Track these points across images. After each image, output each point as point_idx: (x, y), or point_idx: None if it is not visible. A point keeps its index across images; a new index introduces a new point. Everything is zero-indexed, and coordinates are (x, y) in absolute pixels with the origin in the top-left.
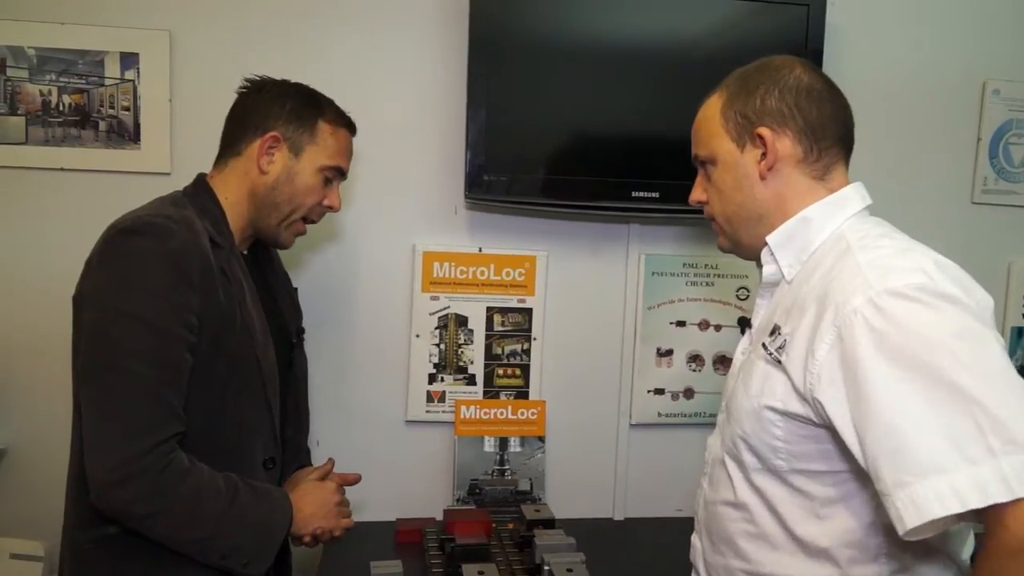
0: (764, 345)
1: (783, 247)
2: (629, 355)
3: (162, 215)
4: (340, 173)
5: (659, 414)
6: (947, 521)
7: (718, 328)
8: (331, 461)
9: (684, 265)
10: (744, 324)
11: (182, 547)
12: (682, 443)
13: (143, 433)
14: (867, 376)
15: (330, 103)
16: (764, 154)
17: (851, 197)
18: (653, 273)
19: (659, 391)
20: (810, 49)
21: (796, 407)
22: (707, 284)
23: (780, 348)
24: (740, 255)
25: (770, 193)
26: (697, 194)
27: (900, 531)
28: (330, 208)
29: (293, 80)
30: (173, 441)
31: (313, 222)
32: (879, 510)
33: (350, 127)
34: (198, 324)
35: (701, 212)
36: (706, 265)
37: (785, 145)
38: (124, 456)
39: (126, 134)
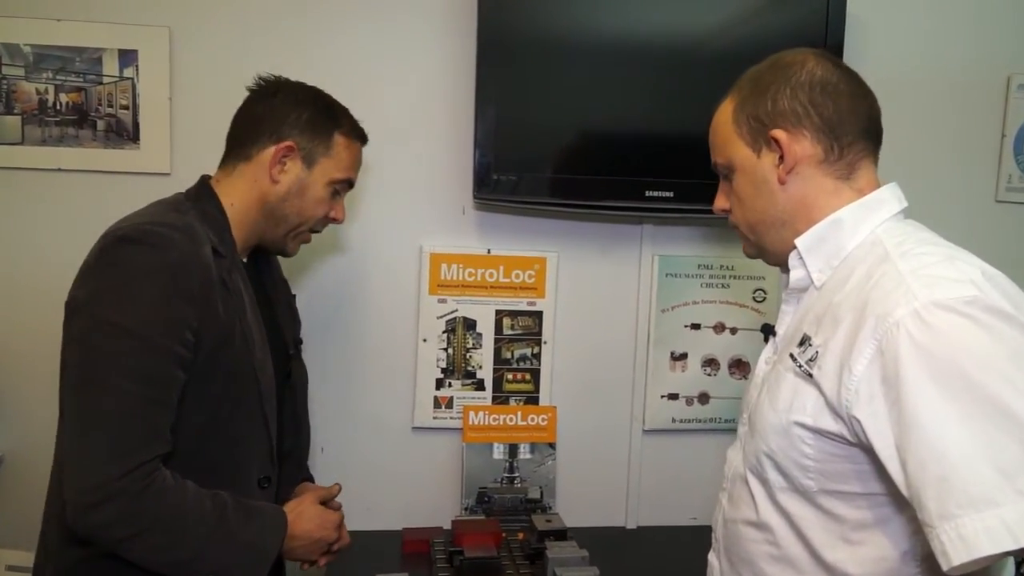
0: (792, 356)
1: (813, 251)
2: (642, 359)
3: (163, 223)
4: (349, 185)
5: (673, 420)
6: (996, 556)
7: (734, 331)
8: (337, 487)
9: (699, 266)
10: (768, 331)
11: (163, 569)
12: (697, 450)
13: (122, 454)
14: (911, 396)
15: (346, 113)
16: (781, 157)
17: (886, 199)
18: (667, 274)
19: (673, 396)
20: (830, 43)
21: (828, 424)
22: (723, 286)
23: (811, 360)
24: (767, 261)
25: (792, 198)
26: (720, 202)
27: (945, 566)
28: (335, 221)
29: (298, 78)
30: (155, 462)
31: (316, 231)
32: (917, 537)
33: (363, 139)
34: (194, 340)
35: (714, 212)
36: (722, 266)
37: (803, 146)
38: (101, 478)
39: (125, 133)
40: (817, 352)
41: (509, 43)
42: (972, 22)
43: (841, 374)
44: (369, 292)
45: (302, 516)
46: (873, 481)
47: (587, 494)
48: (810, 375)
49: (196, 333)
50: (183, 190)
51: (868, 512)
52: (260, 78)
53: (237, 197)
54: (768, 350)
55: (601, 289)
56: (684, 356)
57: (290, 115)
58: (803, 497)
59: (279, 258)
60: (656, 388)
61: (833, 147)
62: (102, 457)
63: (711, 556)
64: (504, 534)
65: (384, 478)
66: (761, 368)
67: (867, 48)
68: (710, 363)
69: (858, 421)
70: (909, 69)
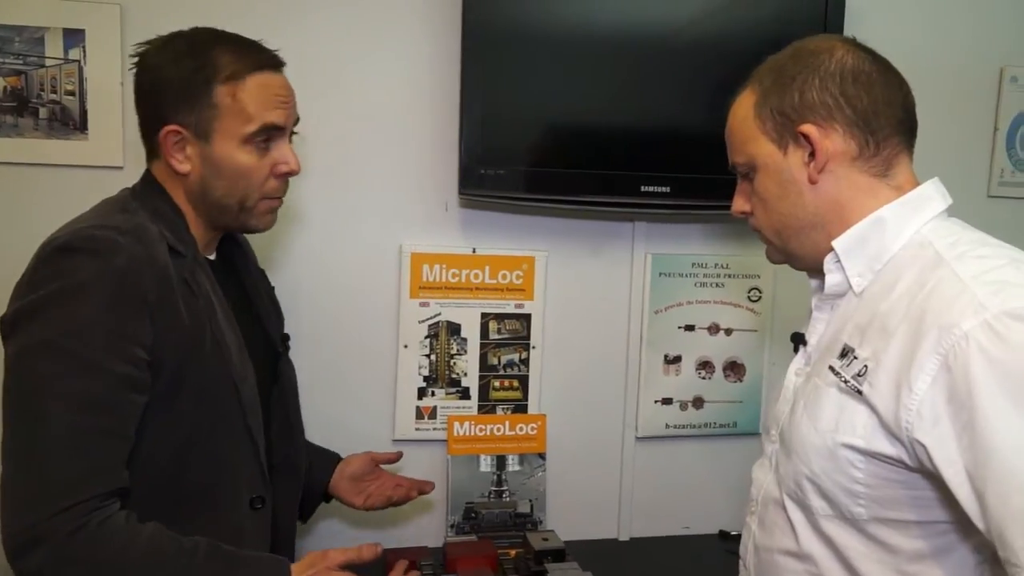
0: (833, 369)
1: (852, 254)
2: (635, 363)
3: (107, 225)
4: (276, 129)
5: (667, 425)
6: None
7: (729, 332)
8: (374, 550)
9: (693, 265)
10: (798, 340)
11: None
12: (691, 456)
13: (56, 493)
14: (986, 418)
15: (224, 47)
16: (811, 154)
17: (931, 196)
18: (660, 274)
19: (667, 401)
20: (828, 32)
21: (884, 447)
22: (717, 285)
23: (859, 375)
24: (795, 266)
25: (824, 198)
26: (740, 204)
27: None
28: (288, 172)
29: None
30: (94, 501)
31: (280, 196)
32: (981, 568)
33: (267, 66)
34: (150, 358)
35: (714, 208)
36: (716, 264)
37: (835, 142)
38: (30, 519)
39: (71, 122)
40: (866, 366)
41: (496, 31)
42: (965, 13)
43: (899, 393)
44: (345, 296)
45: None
46: (934, 509)
47: (578, 506)
48: (859, 392)
49: (153, 349)
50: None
51: (924, 542)
52: (133, 52)
53: (171, 192)
54: (799, 360)
55: (592, 290)
56: (678, 359)
57: (160, 90)
58: (851, 525)
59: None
60: (649, 393)
61: (868, 142)
62: (32, 495)
63: None
64: (497, 553)
65: None
66: (791, 380)
67: (865, 40)
68: (704, 366)
69: (922, 445)
70: (904, 61)
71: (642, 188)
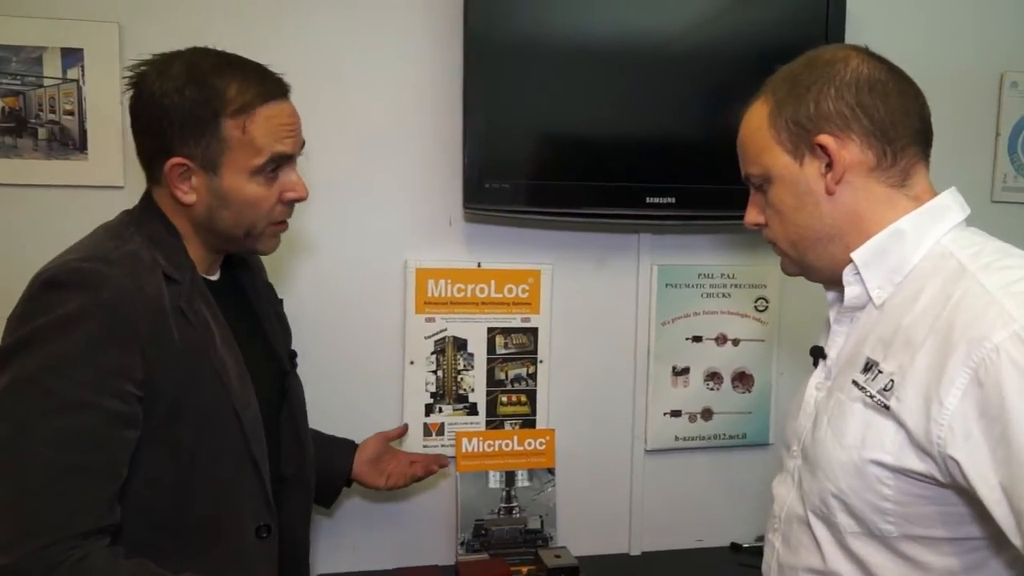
0: (857, 384)
1: (871, 266)
2: (643, 375)
3: (94, 256)
4: (286, 158)
5: (676, 438)
6: None
7: (736, 342)
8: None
9: (699, 275)
10: (817, 354)
11: None
12: (701, 468)
13: (33, 532)
14: (1022, 430)
15: (229, 76)
16: (828, 165)
17: (950, 206)
18: (667, 285)
19: (675, 413)
20: (830, 40)
21: (913, 463)
22: (724, 295)
23: (886, 390)
24: (810, 278)
25: (841, 210)
26: (753, 216)
27: None
28: (296, 199)
29: None
30: (75, 539)
31: (283, 221)
32: None
33: (274, 96)
34: (141, 393)
35: (720, 218)
36: (722, 275)
37: (852, 152)
38: (6, 559)
39: (70, 142)
40: (892, 381)
41: (498, 43)
42: (966, 19)
43: (928, 407)
44: (350, 312)
45: None
46: (966, 525)
47: (589, 521)
48: (886, 407)
49: (144, 383)
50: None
51: (956, 559)
52: (127, 74)
53: (172, 216)
54: (819, 374)
55: (598, 302)
56: (686, 371)
57: (162, 120)
58: (879, 542)
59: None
60: (658, 405)
61: (886, 152)
62: (10, 535)
63: None
64: (511, 572)
65: (371, 513)
66: (811, 394)
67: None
68: (713, 377)
69: (954, 461)
70: (902, 67)
71: (647, 199)
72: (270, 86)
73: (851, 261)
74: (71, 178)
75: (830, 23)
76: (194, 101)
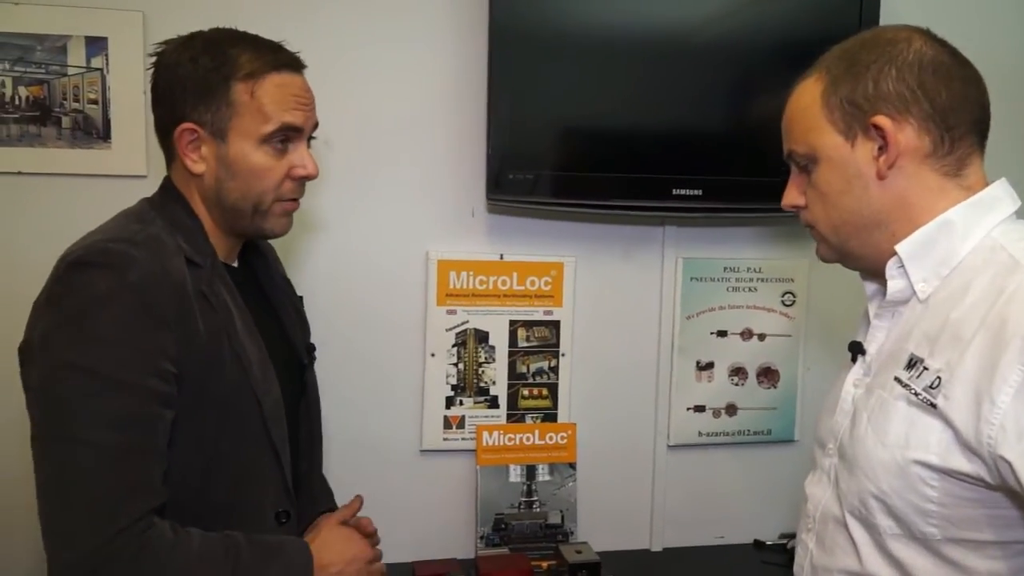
0: (901, 381)
1: (917, 258)
2: (666, 370)
3: (120, 238)
4: (294, 130)
5: (699, 434)
6: None
7: (762, 337)
8: (359, 499)
9: (725, 269)
10: (856, 350)
11: None
12: (725, 464)
13: (108, 516)
14: None
15: (243, 45)
16: (881, 148)
17: (1000, 198)
18: (692, 278)
19: (699, 408)
20: (864, 28)
21: (960, 464)
22: (750, 289)
23: (932, 387)
24: (848, 266)
25: (890, 196)
26: (792, 197)
27: None
28: (305, 176)
29: None
30: (148, 518)
31: (296, 199)
32: None
33: (286, 66)
34: (175, 371)
35: (747, 210)
36: (748, 268)
37: (908, 136)
38: (87, 548)
39: (94, 131)
40: (939, 378)
41: (524, 33)
42: (1009, 9)
43: (979, 406)
44: (371, 304)
45: (327, 542)
46: (1015, 528)
47: (610, 516)
48: (932, 405)
49: (177, 362)
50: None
51: (1002, 563)
52: (151, 52)
53: (189, 197)
54: (857, 371)
55: (622, 295)
56: (710, 365)
57: (175, 88)
58: (921, 545)
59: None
60: (681, 400)
61: (943, 139)
62: (84, 523)
63: None
64: (532, 568)
65: (391, 506)
66: (849, 392)
67: None
68: (737, 372)
69: (1006, 462)
70: None
71: (673, 191)
72: (283, 57)
73: (895, 253)
74: (94, 167)
75: (864, 13)
76: (207, 68)
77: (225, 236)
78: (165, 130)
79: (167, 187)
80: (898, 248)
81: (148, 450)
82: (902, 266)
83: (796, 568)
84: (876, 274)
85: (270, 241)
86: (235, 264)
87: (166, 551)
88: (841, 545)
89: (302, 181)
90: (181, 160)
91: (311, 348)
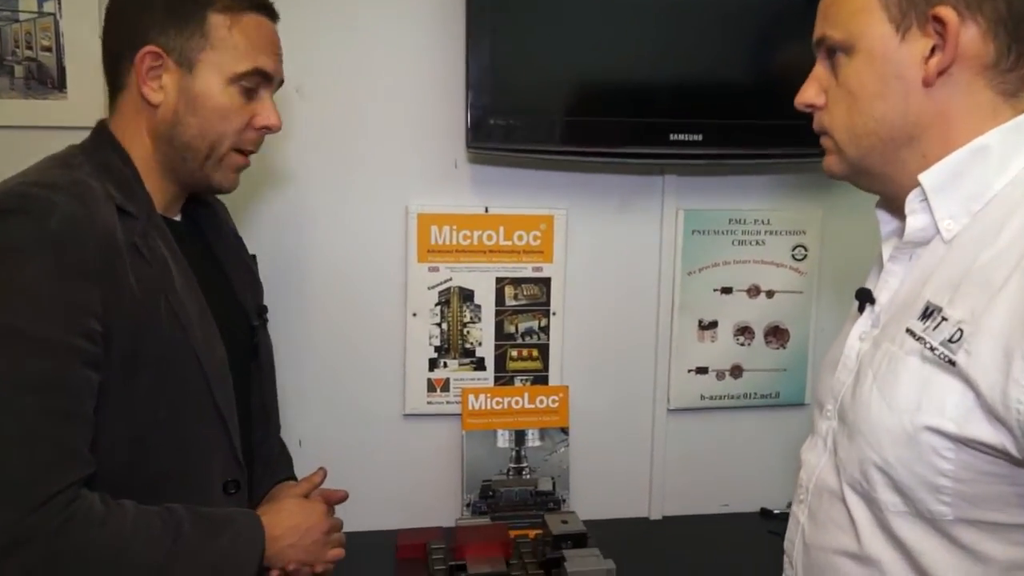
0: (914, 333)
1: (944, 191)
2: (666, 329)
3: (41, 183)
4: (265, 77)
5: (701, 397)
6: None
7: (771, 294)
8: (322, 472)
9: (730, 221)
10: (864, 298)
11: None
12: (729, 430)
13: (28, 487)
14: None
15: None
16: (935, 49)
17: None
18: (693, 231)
19: (701, 370)
20: None
21: (983, 433)
22: (757, 243)
23: (952, 341)
24: (861, 186)
25: (932, 108)
26: (810, 94)
27: None
28: (266, 128)
29: None
30: (74, 488)
31: (251, 152)
32: None
33: (264, 10)
34: (102, 330)
35: (753, 156)
36: (756, 220)
37: (971, 38)
38: (5, 521)
39: (48, 80)
40: (961, 330)
41: None
42: None
43: (1009, 364)
44: (347, 262)
45: (281, 513)
46: None
47: (605, 483)
48: (951, 362)
49: (103, 320)
50: None
51: None
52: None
53: (131, 139)
54: (863, 322)
55: (617, 250)
56: (714, 324)
57: (142, 8)
58: (930, 526)
59: (229, 210)
60: (682, 362)
61: (1010, 50)
62: (3, 495)
63: None
64: (514, 537)
65: (373, 473)
66: (854, 346)
67: None
68: (743, 331)
69: None
70: None
71: (671, 136)
72: (261, 0)
73: (918, 184)
74: (50, 118)
75: None
76: None
77: (166, 186)
78: (119, 56)
79: (100, 131)
80: (921, 178)
81: (75, 415)
82: (925, 199)
83: (786, 544)
84: (893, 202)
85: (226, 198)
86: (177, 218)
87: (94, 525)
88: (837, 521)
89: (262, 133)
90: (138, 88)
91: (263, 309)
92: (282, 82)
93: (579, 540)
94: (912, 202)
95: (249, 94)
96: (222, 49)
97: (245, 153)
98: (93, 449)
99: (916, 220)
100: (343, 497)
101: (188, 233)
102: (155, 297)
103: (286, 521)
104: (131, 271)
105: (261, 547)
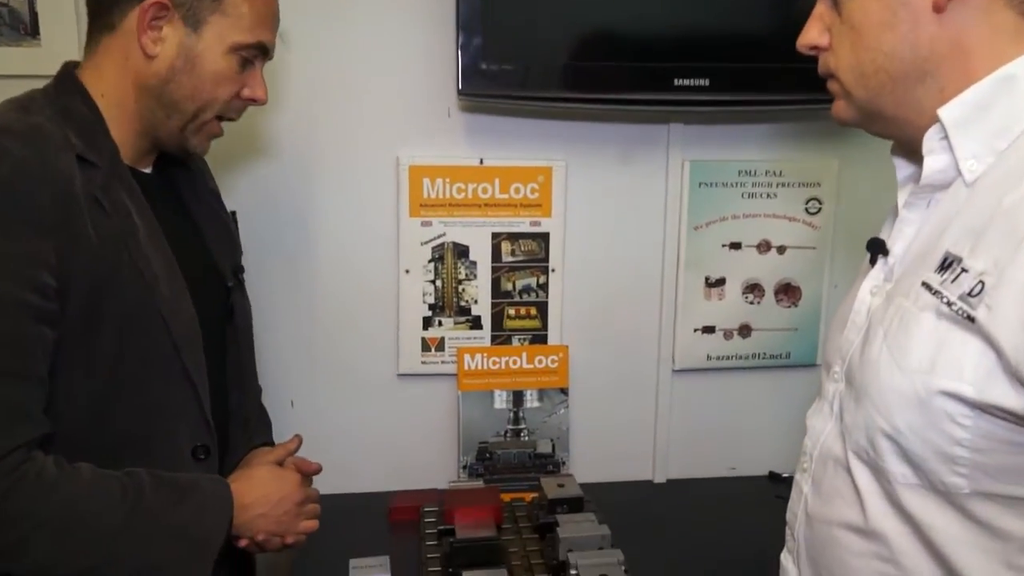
0: (930, 287)
1: (967, 127)
2: (671, 286)
3: None
4: (263, 51)
5: (708, 357)
6: None
7: (782, 250)
8: (297, 439)
9: (739, 173)
10: (877, 248)
11: None
12: (737, 391)
13: None
14: None
15: None
16: None
17: None
18: (700, 184)
19: (708, 329)
20: None
21: (1004, 397)
22: (768, 196)
23: (972, 295)
24: (873, 131)
25: (946, 36)
26: (812, 35)
27: None
28: (253, 100)
29: None
30: (24, 450)
31: (231, 119)
32: None
33: None
34: (56, 285)
35: (764, 103)
36: (767, 172)
37: None
38: None
39: (21, 27)
40: (982, 283)
41: None
42: None
43: None
44: (336, 216)
45: (252, 480)
46: None
47: (607, 445)
48: (971, 318)
49: (58, 273)
50: None
51: None
52: None
53: (108, 84)
54: (876, 275)
55: (620, 204)
56: (721, 282)
57: None
58: (943, 499)
59: (208, 164)
60: (688, 321)
61: None
62: None
63: (784, 557)
64: (510, 500)
65: (367, 434)
66: (864, 301)
67: None
68: (753, 289)
69: None
70: None
71: (676, 81)
72: None
73: (938, 119)
74: (23, 67)
75: None
76: None
77: (137, 139)
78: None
79: (65, 75)
80: (941, 113)
81: (25, 374)
82: (945, 137)
83: (789, 515)
84: (909, 145)
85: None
86: (147, 170)
87: (45, 488)
88: (842, 492)
89: (248, 104)
90: (136, 35)
91: (239, 269)
92: (269, 55)
93: (575, 504)
94: (931, 140)
95: (244, 64)
96: (233, 16)
97: (222, 120)
98: (50, 410)
99: (935, 161)
100: (317, 469)
101: (160, 187)
102: (117, 251)
103: (257, 489)
104: (90, 222)
105: (229, 515)
